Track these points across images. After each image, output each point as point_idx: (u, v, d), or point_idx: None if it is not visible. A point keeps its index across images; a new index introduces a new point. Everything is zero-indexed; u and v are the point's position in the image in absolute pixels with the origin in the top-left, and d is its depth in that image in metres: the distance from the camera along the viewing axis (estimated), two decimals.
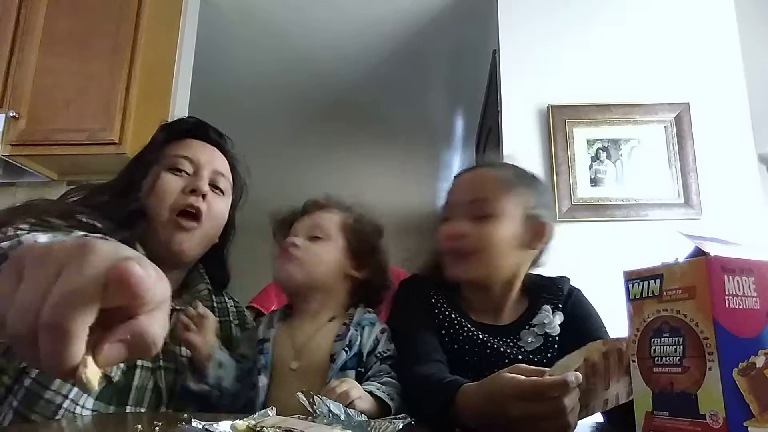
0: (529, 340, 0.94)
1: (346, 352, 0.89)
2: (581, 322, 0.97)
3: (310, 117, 3.93)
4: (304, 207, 1.05)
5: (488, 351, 0.92)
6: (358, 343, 0.91)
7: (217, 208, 1.01)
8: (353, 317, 0.95)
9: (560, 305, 0.98)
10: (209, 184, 1.00)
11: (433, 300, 0.98)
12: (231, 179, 1.06)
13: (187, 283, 1.05)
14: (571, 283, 1.05)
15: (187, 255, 0.97)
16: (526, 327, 0.95)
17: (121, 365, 0.83)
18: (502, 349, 0.93)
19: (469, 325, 0.95)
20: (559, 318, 0.95)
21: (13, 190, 2.36)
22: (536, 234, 0.97)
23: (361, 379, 0.88)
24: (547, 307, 0.96)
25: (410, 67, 3.40)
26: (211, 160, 1.02)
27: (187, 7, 2.59)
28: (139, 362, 0.87)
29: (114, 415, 0.81)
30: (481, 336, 0.94)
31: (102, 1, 2.21)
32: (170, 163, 0.99)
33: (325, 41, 3.15)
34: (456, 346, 0.94)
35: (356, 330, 0.93)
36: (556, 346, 0.95)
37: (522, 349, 0.93)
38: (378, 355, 0.91)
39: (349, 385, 0.76)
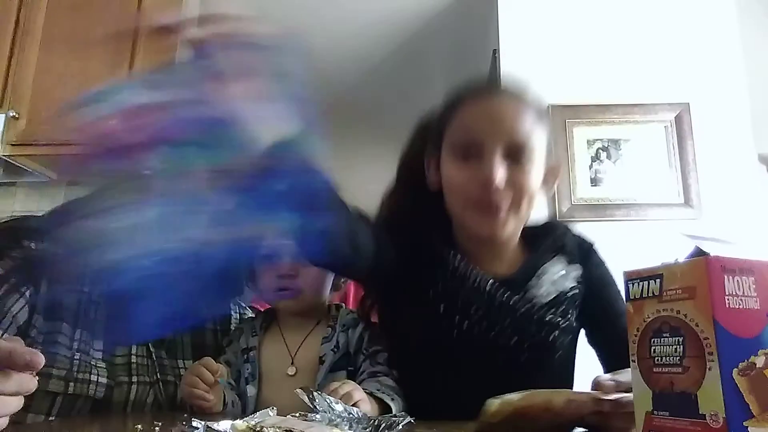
0: (542, 291, 0.85)
1: (334, 352, 0.90)
2: (604, 288, 0.91)
3: None
4: None
5: (502, 301, 0.85)
6: (345, 343, 0.92)
7: None
8: (337, 318, 0.96)
9: (571, 259, 0.90)
10: None
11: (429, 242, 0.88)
12: None
13: None
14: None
15: None
16: (535, 276, 0.87)
17: (103, 380, 0.82)
18: (511, 302, 0.85)
19: (477, 275, 0.86)
20: (575, 272, 0.88)
21: (13, 190, 2.36)
22: (551, 174, 0.89)
23: (353, 377, 0.88)
24: (562, 257, 0.88)
25: (410, 66, 3.40)
26: None
27: (187, 7, 2.58)
28: (134, 378, 0.86)
29: (114, 415, 0.81)
30: (490, 286, 0.85)
31: (102, 1, 2.21)
32: None
33: (325, 41, 3.15)
34: (459, 294, 0.85)
35: (342, 330, 0.94)
36: (576, 303, 0.88)
37: (533, 301, 0.85)
38: (364, 351, 0.92)
39: (352, 387, 0.76)
